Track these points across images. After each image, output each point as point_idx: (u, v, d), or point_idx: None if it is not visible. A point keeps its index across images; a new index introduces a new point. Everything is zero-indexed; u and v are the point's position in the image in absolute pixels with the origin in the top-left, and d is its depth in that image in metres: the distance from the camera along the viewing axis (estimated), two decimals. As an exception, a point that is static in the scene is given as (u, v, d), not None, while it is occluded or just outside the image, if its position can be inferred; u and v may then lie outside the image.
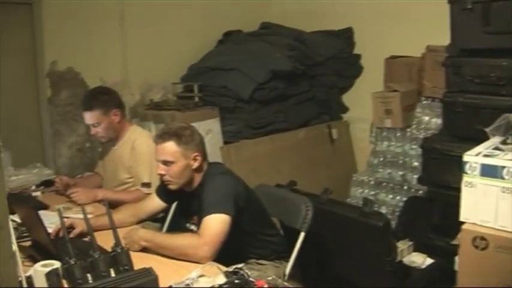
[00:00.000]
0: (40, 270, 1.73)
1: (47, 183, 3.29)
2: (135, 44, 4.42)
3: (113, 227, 1.85)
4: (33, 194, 3.15)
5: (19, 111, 4.15)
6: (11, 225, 0.86)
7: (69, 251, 1.68)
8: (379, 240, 2.75)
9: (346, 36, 4.82)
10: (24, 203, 2.40)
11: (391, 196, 4.23)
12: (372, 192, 4.33)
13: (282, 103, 4.47)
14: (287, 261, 2.55)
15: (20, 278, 1.09)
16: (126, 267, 1.72)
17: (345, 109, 4.97)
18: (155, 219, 2.88)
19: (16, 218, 2.55)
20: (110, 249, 1.89)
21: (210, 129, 4.14)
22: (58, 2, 4.01)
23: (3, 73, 4.00)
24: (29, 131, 4.22)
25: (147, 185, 2.98)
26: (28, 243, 2.34)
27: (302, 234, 2.53)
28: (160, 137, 2.40)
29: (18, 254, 0.96)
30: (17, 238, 2.38)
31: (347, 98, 4.97)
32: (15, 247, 0.86)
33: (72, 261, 1.63)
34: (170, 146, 2.37)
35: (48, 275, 1.63)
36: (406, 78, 4.21)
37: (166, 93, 4.66)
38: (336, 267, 3.00)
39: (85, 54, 4.19)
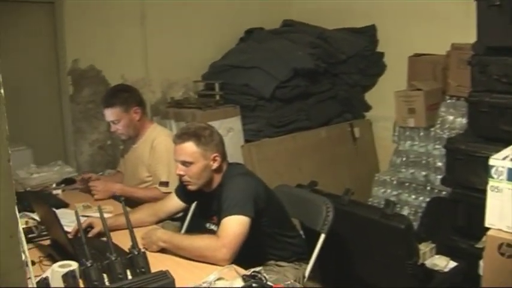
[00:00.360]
0: (57, 271, 1.72)
1: (68, 181, 3.31)
2: (156, 41, 4.43)
3: (130, 229, 1.83)
4: (54, 192, 3.16)
5: (41, 108, 4.19)
6: (22, 233, 0.84)
7: (86, 253, 1.67)
8: (401, 242, 2.70)
9: (369, 33, 4.76)
10: (42, 201, 2.39)
11: (413, 196, 4.17)
12: (394, 192, 4.27)
13: (304, 101, 4.43)
14: (307, 262, 2.52)
15: (30, 285, 1.07)
16: (143, 270, 1.71)
17: (368, 108, 4.92)
18: (174, 218, 2.87)
19: (36, 216, 2.57)
20: (128, 250, 1.87)
21: (231, 127, 4.13)
22: (80, 1, 4.03)
23: (26, 71, 4.04)
24: (51, 129, 4.26)
25: (164, 184, 2.97)
26: (48, 242, 2.34)
27: (322, 236, 2.50)
28: (180, 138, 2.38)
29: (29, 262, 0.94)
30: (37, 236, 2.40)
31: (370, 97, 4.91)
32: (25, 256, 0.84)
33: (88, 263, 1.62)
34: (189, 147, 2.35)
35: (65, 276, 1.62)
36: (430, 77, 4.14)
37: (187, 91, 4.66)
38: (356, 269, 2.96)
39: (106, 52, 4.21)
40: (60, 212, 2.72)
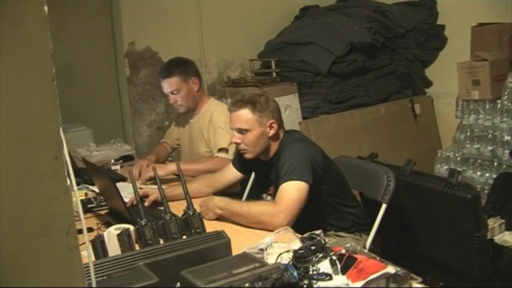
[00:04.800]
0: (113, 232, 1.73)
1: (126, 158, 3.35)
2: (212, 21, 4.42)
3: (185, 190, 1.80)
4: (113, 167, 3.21)
5: (100, 90, 4.26)
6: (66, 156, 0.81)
7: (141, 213, 1.65)
8: (468, 214, 2.54)
9: (428, 6, 4.57)
10: (102, 173, 2.43)
11: (479, 173, 3.97)
12: (459, 169, 4.07)
13: (361, 77, 4.31)
14: (367, 234, 2.44)
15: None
16: (198, 230, 1.67)
17: (429, 83, 4.73)
18: (233, 192, 2.82)
19: (95, 188, 2.62)
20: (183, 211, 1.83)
21: (288, 105, 4.07)
22: (135, -16, 4.06)
23: (84, 54, 4.11)
24: (110, 110, 4.33)
25: (224, 150, 2.88)
26: (105, 212, 2.40)
27: (384, 206, 2.41)
28: (235, 105, 2.34)
29: (79, 201, 0.91)
30: (96, 206, 2.46)
31: (430, 72, 4.72)
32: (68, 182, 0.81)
33: (143, 222, 1.60)
34: (245, 114, 2.31)
35: (120, 235, 1.61)
36: (497, 47, 3.92)
37: (243, 70, 4.63)
38: (419, 242, 2.83)
39: (162, 34, 4.25)
40: (118, 186, 2.75)
